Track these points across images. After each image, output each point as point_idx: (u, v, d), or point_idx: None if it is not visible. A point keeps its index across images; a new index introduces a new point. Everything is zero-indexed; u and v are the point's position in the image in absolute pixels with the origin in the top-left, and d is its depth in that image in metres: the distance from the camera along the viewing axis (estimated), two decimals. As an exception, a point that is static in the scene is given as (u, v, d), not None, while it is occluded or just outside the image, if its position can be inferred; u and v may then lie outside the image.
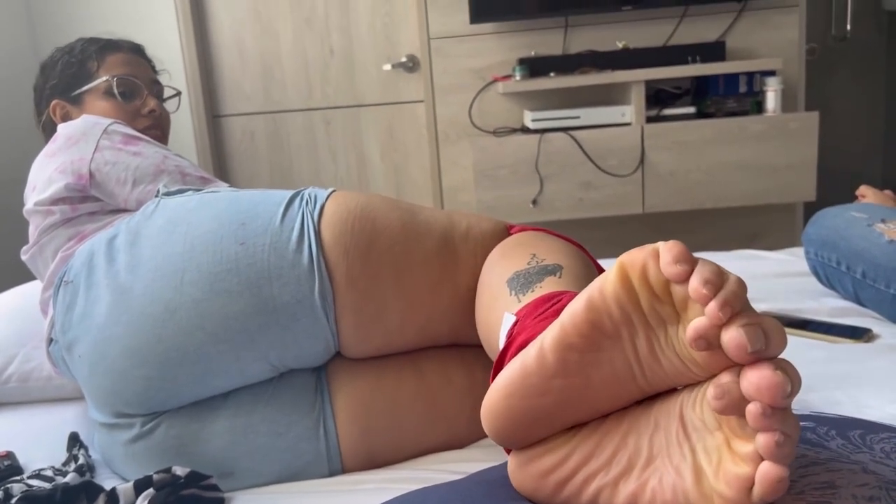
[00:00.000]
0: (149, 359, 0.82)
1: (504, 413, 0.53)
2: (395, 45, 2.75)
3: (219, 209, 0.87)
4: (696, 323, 0.44)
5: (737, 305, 0.43)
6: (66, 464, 0.91)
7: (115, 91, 1.19)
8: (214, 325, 0.81)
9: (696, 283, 0.44)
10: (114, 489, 0.79)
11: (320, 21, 2.74)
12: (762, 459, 0.44)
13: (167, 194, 0.94)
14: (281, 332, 0.83)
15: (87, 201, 1.01)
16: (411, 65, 2.75)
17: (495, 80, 2.62)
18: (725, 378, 0.45)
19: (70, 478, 0.82)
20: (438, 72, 2.67)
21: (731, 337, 0.43)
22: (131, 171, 1.01)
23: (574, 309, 0.49)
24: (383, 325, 0.86)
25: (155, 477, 0.79)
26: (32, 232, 1.04)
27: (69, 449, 0.96)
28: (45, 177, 1.02)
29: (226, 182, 1.18)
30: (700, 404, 0.48)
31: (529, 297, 0.69)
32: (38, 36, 2.77)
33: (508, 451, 0.58)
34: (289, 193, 0.89)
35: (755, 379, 0.43)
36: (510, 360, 0.60)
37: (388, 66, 2.74)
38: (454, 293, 0.87)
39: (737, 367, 0.45)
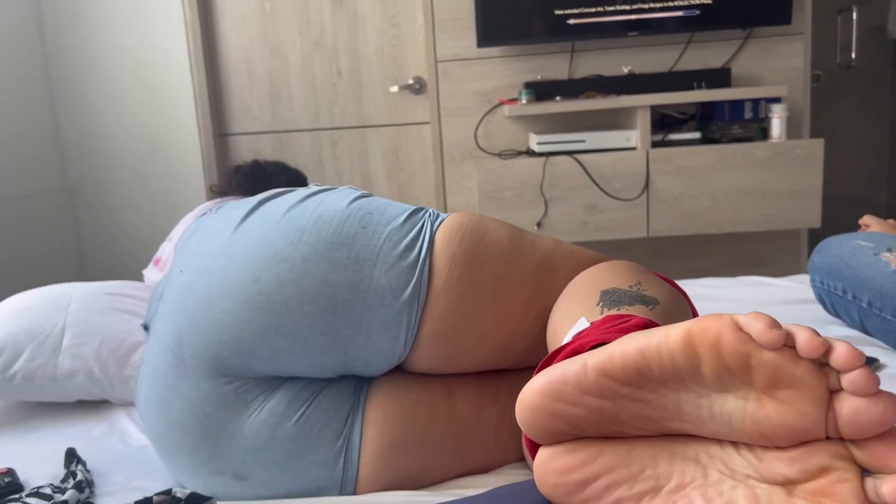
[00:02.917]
0: (238, 295, 0.84)
1: (536, 408, 0.53)
2: (402, 67, 2.77)
3: (353, 198, 0.92)
4: (856, 405, 0.43)
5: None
6: (64, 480, 0.91)
7: None
8: (309, 285, 0.84)
9: (844, 350, 0.43)
10: (113, 509, 0.78)
11: (329, 43, 2.77)
12: None
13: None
14: (362, 312, 0.84)
15: None
16: (418, 87, 2.76)
17: (501, 104, 2.64)
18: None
19: (69, 495, 0.81)
20: (445, 94, 2.69)
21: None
22: None
23: (626, 347, 0.49)
24: (463, 337, 0.87)
25: (155, 499, 0.79)
26: None
27: (67, 465, 0.95)
28: None
29: None
30: (759, 456, 0.48)
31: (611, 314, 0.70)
32: (49, 55, 2.80)
33: (533, 456, 0.58)
34: (414, 206, 0.94)
35: None
36: (559, 359, 0.61)
37: (395, 88, 2.76)
38: (543, 309, 0.89)
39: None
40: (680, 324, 0.47)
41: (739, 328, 0.45)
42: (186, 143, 2.81)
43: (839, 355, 0.43)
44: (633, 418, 0.51)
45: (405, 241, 0.87)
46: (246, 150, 2.85)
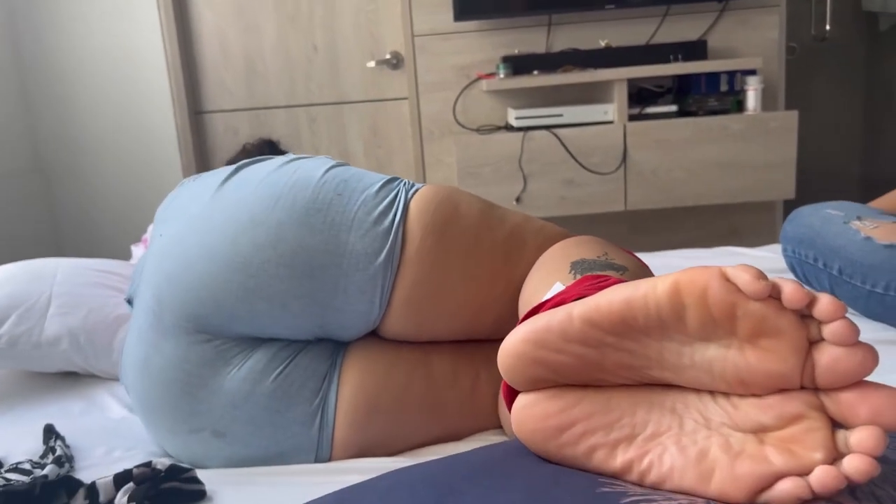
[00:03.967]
0: (216, 256, 0.86)
1: (519, 355, 0.54)
2: (379, 42, 2.74)
3: (329, 166, 0.94)
4: (835, 354, 0.44)
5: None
6: (43, 456, 0.91)
7: None
8: (286, 248, 0.86)
9: (827, 300, 0.44)
10: (94, 483, 0.79)
11: (304, 18, 2.74)
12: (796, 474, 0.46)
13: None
14: (338, 276, 0.86)
15: None
16: (395, 62, 2.74)
17: (479, 78, 2.63)
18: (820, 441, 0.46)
19: (49, 470, 0.81)
20: (423, 69, 2.67)
21: (861, 362, 0.44)
22: None
23: (612, 296, 0.50)
24: (432, 306, 0.89)
25: (135, 471, 0.79)
26: None
27: (45, 441, 0.95)
28: None
29: None
30: (735, 404, 0.49)
31: None
32: (20, 32, 2.74)
33: (510, 406, 0.59)
34: (389, 176, 0.95)
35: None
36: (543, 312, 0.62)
37: (372, 64, 2.74)
38: (511, 283, 0.90)
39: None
40: (667, 275, 0.48)
41: (727, 279, 0.45)
42: (161, 121, 2.77)
43: (823, 306, 0.44)
44: (615, 366, 0.52)
45: (380, 208, 0.89)
46: (222, 128, 2.82)
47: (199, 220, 0.90)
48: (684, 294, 0.46)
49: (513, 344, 0.55)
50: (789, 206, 2.86)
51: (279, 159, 0.96)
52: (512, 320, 0.91)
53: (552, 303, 0.62)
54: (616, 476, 0.53)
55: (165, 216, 0.98)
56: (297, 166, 0.93)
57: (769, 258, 1.62)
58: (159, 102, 2.76)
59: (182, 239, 0.90)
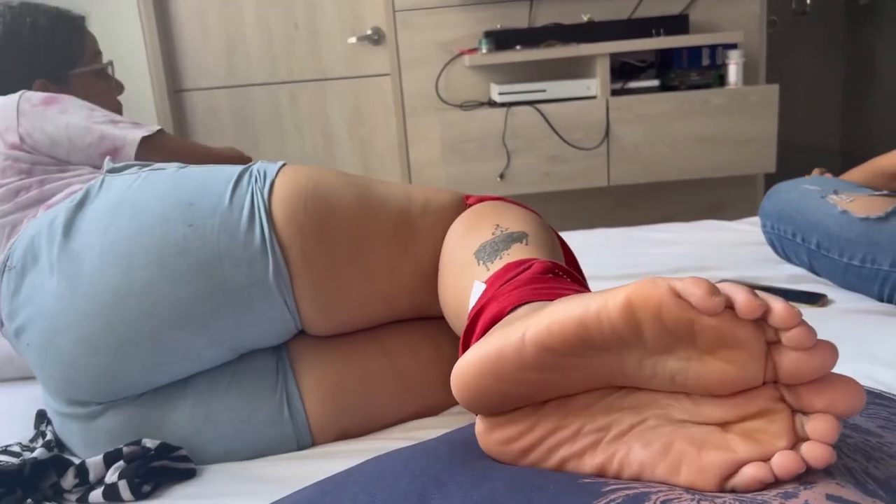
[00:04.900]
0: (100, 347, 0.80)
1: (474, 388, 0.53)
2: (359, 17, 2.72)
3: (164, 188, 0.84)
4: (796, 358, 0.45)
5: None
6: (33, 440, 0.91)
7: (109, 73, 1.21)
8: (166, 310, 0.79)
9: (781, 306, 0.44)
10: (83, 462, 0.79)
11: (284, -7, 2.70)
12: (758, 459, 0.46)
13: (112, 171, 0.91)
14: (235, 316, 0.81)
15: (33, 173, 0.98)
16: (377, 38, 2.72)
17: (462, 54, 2.62)
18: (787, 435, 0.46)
19: (38, 453, 0.82)
20: (404, 45, 2.65)
21: (820, 362, 0.44)
22: (62, 129, 0.99)
23: (564, 317, 0.48)
24: (344, 303, 0.85)
25: (125, 450, 0.80)
26: None
27: (37, 426, 0.95)
28: None
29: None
30: (694, 401, 0.49)
31: (498, 265, 0.69)
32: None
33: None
34: (237, 170, 0.87)
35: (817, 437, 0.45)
36: (481, 330, 0.61)
37: (353, 40, 2.72)
38: (415, 268, 0.87)
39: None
40: (617, 290, 0.46)
41: (679, 296, 0.45)
42: (139, 100, 2.74)
43: (777, 315, 0.44)
44: (575, 384, 0.51)
45: (242, 224, 0.81)
46: (202, 107, 2.79)
47: (60, 316, 0.81)
48: (638, 310, 0.45)
49: (467, 375, 0.52)
50: (770, 179, 2.89)
51: (103, 201, 0.84)
52: (431, 299, 0.87)
53: (488, 316, 0.60)
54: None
55: (15, 304, 0.86)
56: (129, 211, 0.82)
57: (750, 231, 1.64)
58: (137, 80, 2.73)
59: (52, 344, 0.82)
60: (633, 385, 0.51)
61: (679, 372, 0.47)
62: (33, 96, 1.02)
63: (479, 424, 0.56)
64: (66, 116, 1.00)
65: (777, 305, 0.44)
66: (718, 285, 0.46)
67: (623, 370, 0.49)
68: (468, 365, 0.52)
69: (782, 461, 0.46)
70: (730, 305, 0.45)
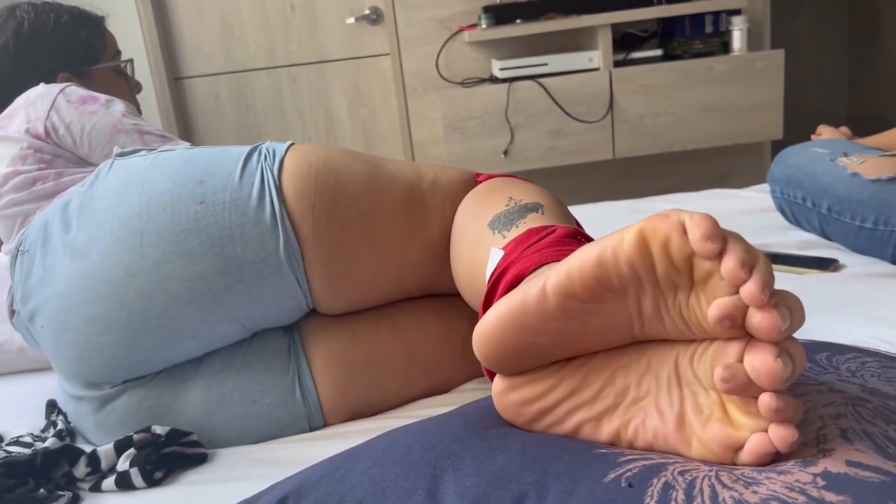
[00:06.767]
0: (112, 325, 0.80)
1: (497, 344, 0.52)
2: (357, -3, 2.69)
3: (174, 167, 0.84)
4: (723, 303, 0.44)
5: (772, 286, 0.43)
6: (44, 430, 0.91)
7: (128, 71, 1.24)
8: (177, 287, 0.80)
9: (732, 265, 0.43)
10: (94, 451, 0.79)
11: (279, -25, 2.67)
12: (758, 431, 0.46)
13: (121, 155, 0.91)
14: (247, 291, 0.82)
15: (53, 165, 0.99)
16: (375, 17, 2.69)
17: (461, 30, 2.59)
18: (732, 357, 0.45)
19: (50, 443, 0.82)
20: (403, 23, 2.63)
21: (765, 319, 0.43)
22: (87, 131, 0.99)
23: (583, 261, 0.48)
24: (355, 279, 0.85)
25: (135, 437, 0.79)
26: None
27: (48, 416, 0.95)
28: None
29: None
30: (698, 361, 0.49)
31: (515, 233, 0.68)
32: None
33: (491, 378, 0.58)
34: (247, 149, 0.87)
35: (757, 364, 0.44)
36: (503, 291, 0.60)
37: (351, 20, 2.69)
38: (425, 244, 0.87)
39: (741, 341, 0.45)
40: (629, 226, 0.47)
41: (684, 231, 0.45)
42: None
43: (724, 266, 0.44)
44: (597, 333, 0.51)
45: (252, 200, 0.81)
46: (203, 93, 2.78)
47: (73, 296, 0.81)
48: (650, 243, 0.46)
49: (489, 332, 0.52)
50: (777, 146, 2.86)
51: (112, 182, 0.85)
52: (442, 275, 0.87)
53: (510, 277, 0.60)
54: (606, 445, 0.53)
55: (29, 299, 0.86)
56: (140, 189, 0.83)
57: (758, 198, 1.62)
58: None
59: (65, 324, 0.82)
60: (649, 336, 0.51)
61: (686, 307, 0.47)
62: (73, 92, 1.03)
63: (498, 384, 0.56)
64: (94, 118, 1.01)
65: (728, 260, 0.43)
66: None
67: (641, 313, 0.49)
68: (491, 321, 0.52)
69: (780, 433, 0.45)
70: (723, 253, 0.45)
